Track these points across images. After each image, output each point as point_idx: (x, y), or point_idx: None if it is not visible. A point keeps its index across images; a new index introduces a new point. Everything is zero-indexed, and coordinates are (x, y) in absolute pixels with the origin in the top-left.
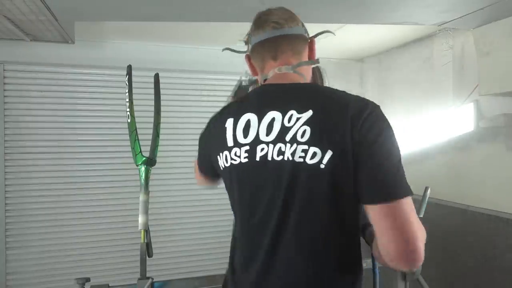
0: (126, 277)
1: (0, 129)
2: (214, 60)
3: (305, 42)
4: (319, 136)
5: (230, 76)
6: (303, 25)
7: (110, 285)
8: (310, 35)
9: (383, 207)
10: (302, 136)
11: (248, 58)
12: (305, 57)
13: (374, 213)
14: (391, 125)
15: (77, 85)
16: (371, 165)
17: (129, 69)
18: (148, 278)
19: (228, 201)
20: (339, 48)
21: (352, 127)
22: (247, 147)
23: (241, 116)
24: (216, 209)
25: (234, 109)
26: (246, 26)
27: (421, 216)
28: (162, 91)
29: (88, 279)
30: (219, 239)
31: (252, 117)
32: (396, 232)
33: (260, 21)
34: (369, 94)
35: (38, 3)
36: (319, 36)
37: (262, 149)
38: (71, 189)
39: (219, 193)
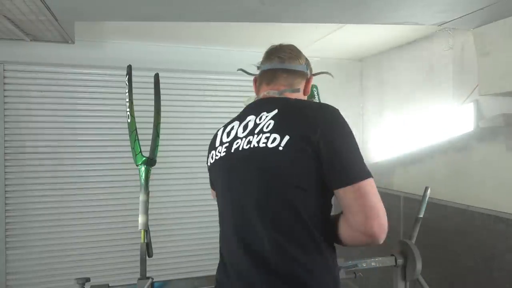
0: (126, 277)
1: (0, 129)
2: (214, 60)
3: (303, 78)
4: (280, 125)
5: (231, 76)
6: (307, 62)
7: (110, 285)
8: (311, 64)
9: (354, 189)
10: (267, 127)
11: (255, 80)
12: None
13: (347, 195)
14: (348, 124)
15: (77, 85)
16: (338, 154)
17: (129, 69)
18: (148, 278)
19: None
20: (339, 48)
21: (313, 120)
22: (227, 144)
23: (229, 125)
24: (216, 209)
25: (227, 123)
26: (247, 26)
27: (421, 216)
28: (162, 91)
29: (88, 279)
30: (219, 239)
31: (235, 124)
32: (366, 210)
33: (269, 54)
34: (369, 94)
35: (38, 3)
36: (319, 36)
37: (237, 143)
38: (71, 189)
39: None
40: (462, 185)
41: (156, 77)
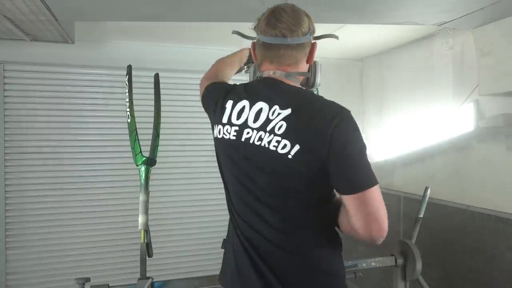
0: (126, 277)
1: (0, 129)
2: (214, 60)
3: (307, 47)
4: (292, 131)
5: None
6: (310, 26)
7: (110, 285)
8: (316, 35)
9: (356, 197)
10: (279, 129)
11: (253, 46)
12: (302, 64)
13: (349, 201)
14: (358, 128)
15: (77, 85)
16: (343, 165)
17: (129, 69)
18: (148, 278)
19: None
20: (339, 48)
21: (323, 130)
22: (237, 128)
23: (239, 102)
24: (216, 209)
25: (236, 93)
26: (247, 26)
27: (421, 216)
28: (162, 91)
29: (88, 279)
30: (219, 239)
31: (246, 104)
32: (367, 216)
33: (270, 23)
34: (369, 94)
35: (38, 3)
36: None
37: (248, 133)
38: (71, 189)
39: (219, 193)
40: (462, 185)
41: (156, 77)
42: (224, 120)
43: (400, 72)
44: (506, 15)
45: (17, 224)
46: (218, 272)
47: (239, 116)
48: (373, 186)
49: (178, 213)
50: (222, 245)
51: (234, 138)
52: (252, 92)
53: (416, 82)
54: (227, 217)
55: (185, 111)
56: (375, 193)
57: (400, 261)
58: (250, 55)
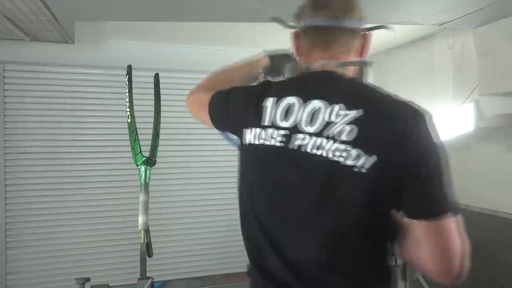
0: (126, 277)
1: (0, 129)
2: (214, 60)
3: (359, 38)
4: (367, 138)
5: None
6: (362, 14)
7: (110, 285)
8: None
9: (427, 224)
10: (347, 134)
11: (297, 35)
12: (356, 53)
13: (418, 228)
14: (439, 136)
15: (77, 85)
16: (418, 181)
17: (129, 69)
18: (148, 278)
19: (227, 201)
20: None
21: (401, 137)
22: (285, 132)
23: (283, 98)
24: (216, 209)
25: (274, 89)
26: (246, 26)
27: None
28: (162, 91)
29: (88, 279)
30: (219, 239)
31: (294, 101)
32: (436, 250)
33: (319, 3)
34: None
35: (38, 3)
36: None
37: (302, 139)
38: (71, 189)
39: (219, 193)
40: (462, 185)
41: (156, 77)
42: (266, 121)
43: (400, 72)
44: (506, 15)
45: (17, 224)
46: (218, 272)
47: (286, 116)
48: (450, 216)
49: (178, 213)
50: (247, 271)
51: (282, 144)
52: (302, 87)
53: (416, 82)
54: (227, 217)
55: (185, 111)
56: (450, 224)
57: (400, 261)
58: (272, 65)
